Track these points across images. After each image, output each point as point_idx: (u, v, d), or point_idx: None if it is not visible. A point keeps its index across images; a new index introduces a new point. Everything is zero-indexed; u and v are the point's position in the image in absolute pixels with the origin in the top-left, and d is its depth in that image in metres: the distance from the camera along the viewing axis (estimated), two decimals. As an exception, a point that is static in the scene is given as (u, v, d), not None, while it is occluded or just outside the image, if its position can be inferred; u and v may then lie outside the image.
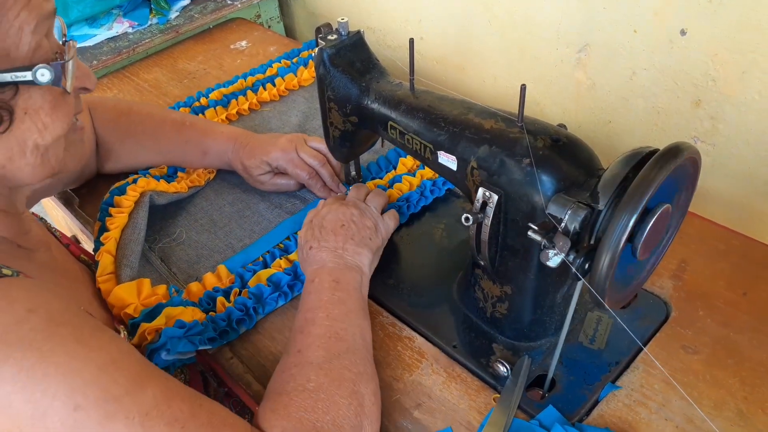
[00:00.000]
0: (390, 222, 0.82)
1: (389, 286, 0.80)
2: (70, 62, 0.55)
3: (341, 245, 0.74)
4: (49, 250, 0.70)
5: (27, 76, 0.52)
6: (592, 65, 1.03)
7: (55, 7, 0.55)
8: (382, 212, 0.83)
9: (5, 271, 0.53)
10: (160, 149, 0.95)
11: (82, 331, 0.51)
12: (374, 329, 0.75)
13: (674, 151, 0.51)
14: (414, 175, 0.93)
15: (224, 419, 0.54)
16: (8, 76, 0.51)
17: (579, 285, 0.57)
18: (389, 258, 0.84)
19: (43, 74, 0.52)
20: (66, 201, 0.98)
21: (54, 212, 1.30)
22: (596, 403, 0.65)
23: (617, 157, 0.55)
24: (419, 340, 0.74)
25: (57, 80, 0.54)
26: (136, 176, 0.93)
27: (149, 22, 1.40)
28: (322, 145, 0.91)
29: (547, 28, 1.06)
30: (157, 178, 0.94)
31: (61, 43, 0.57)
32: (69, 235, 1.07)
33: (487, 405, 0.66)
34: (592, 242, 0.54)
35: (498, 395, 0.67)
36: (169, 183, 0.94)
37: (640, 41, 0.94)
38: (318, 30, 0.77)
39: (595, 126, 1.09)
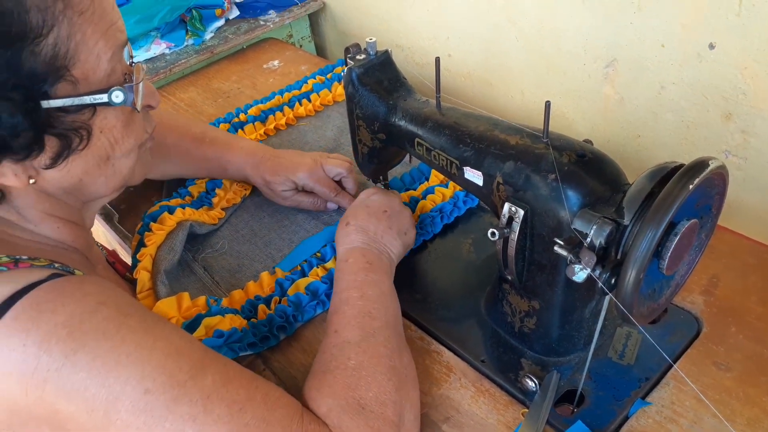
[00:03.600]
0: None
1: (417, 300, 0.81)
2: (141, 84, 0.60)
3: (379, 231, 0.77)
4: (105, 268, 0.76)
5: (103, 98, 0.56)
6: (620, 80, 1.03)
7: (127, 37, 0.60)
8: None
9: (77, 272, 0.58)
10: (183, 163, 0.98)
11: (147, 321, 0.55)
12: (402, 343, 0.76)
13: (700, 165, 0.51)
14: (446, 186, 0.94)
15: (278, 399, 0.57)
16: (87, 99, 0.55)
17: (606, 300, 0.57)
18: (417, 272, 0.85)
19: (117, 96, 0.57)
20: (106, 216, 1.02)
21: (94, 227, 1.34)
22: (626, 419, 0.65)
23: (641, 173, 0.55)
24: (447, 354, 0.74)
25: (129, 101, 0.59)
26: (173, 203, 0.95)
27: (185, 43, 1.45)
28: (345, 158, 0.95)
29: (574, 44, 1.06)
30: (196, 206, 0.96)
31: (129, 64, 0.62)
32: (109, 248, 1.12)
33: (515, 420, 0.66)
34: (618, 257, 0.54)
35: (526, 410, 0.67)
36: (207, 206, 0.97)
37: (668, 55, 0.94)
38: (347, 50, 0.79)
39: (624, 140, 1.09)
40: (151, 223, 0.89)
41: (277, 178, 0.94)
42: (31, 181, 0.57)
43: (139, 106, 0.61)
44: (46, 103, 0.53)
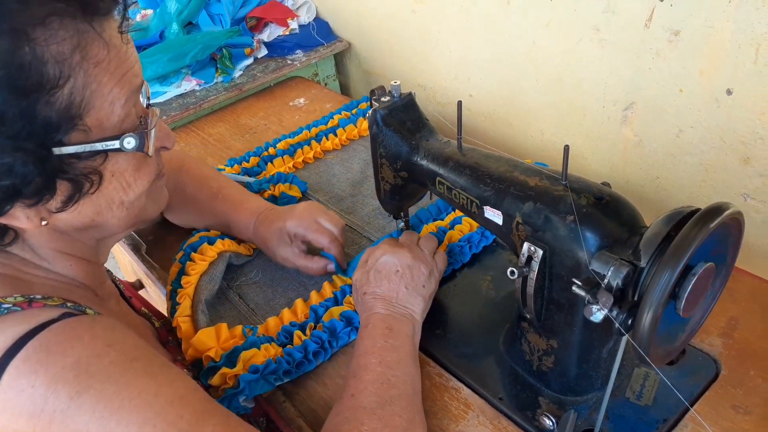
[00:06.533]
0: (441, 264, 0.84)
1: (437, 336, 0.82)
2: (153, 130, 0.61)
3: (395, 293, 0.76)
4: (118, 303, 0.76)
5: (115, 144, 0.57)
6: (639, 123, 1.05)
7: (143, 80, 0.61)
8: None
9: (89, 311, 0.59)
10: (198, 213, 0.99)
11: (154, 366, 0.56)
12: (422, 379, 0.76)
13: (715, 210, 0.52)
14: None
15: None
16: (99, 146, 0.56)
17: (623, 340, 0.58)
18: (437, 308, 0.86)
19: (129, 142, 0.58)
20: (134, 247, 1.05)
21: (121, 257, 1.38)
22: (643, 460, 0.65)
23: (659, 215, 0.56)
24: (466, 391, 0.75)
25: (141, 146, 0.59)
26: (212, 234, 0.97)
27: (215, 81, 1.50)
28: (338, 219, 0.93)
29: (593, 87, 1.09)
30: (233, 237, 0.98)
31: (145, 106, 0.63)
32: (134, 278, 1.14)
33: (532, 458, 0.67)
34: (635, 299, 0.55)
35: (543, 449, 0.67)
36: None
37: (686, 100, 0.95)
38: (372, 92, 0.82)
39: (643, 182, 1.10)
40: (193, 253, 0.92)
41: (271, 229, 0.91)
42: (44, 222, 0.57)
43: (150, 152, 0.61)
44: (58, 150, 0.53)
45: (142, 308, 0.85)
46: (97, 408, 0.50)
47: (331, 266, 0.91)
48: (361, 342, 0.72)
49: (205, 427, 0.54)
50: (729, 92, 0.90)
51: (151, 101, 0.64)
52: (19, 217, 0.56)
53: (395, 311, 0.75)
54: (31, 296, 0.57)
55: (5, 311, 0.54)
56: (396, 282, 0.77)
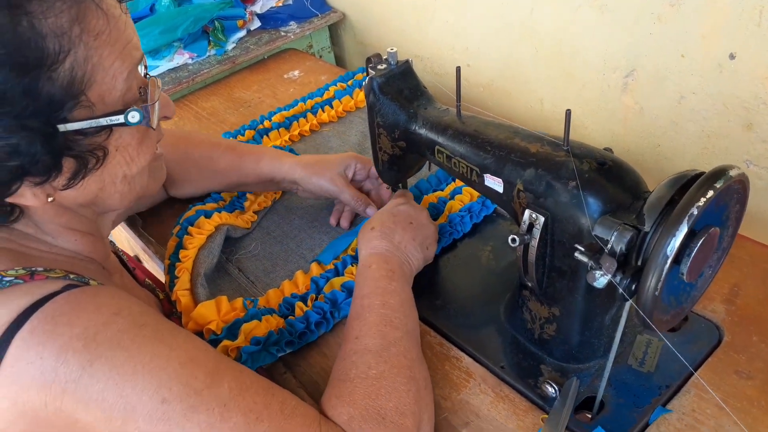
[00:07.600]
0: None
1: (437, 306, 0.82)
2: (157, 103, 0.60)
3: (404, 241, 0.78)
4: (122, 276, 0.76)
5: (120, 119, 0.56)
6: (640, 90, 1.03)
7: (143, 53, 0.60)
8: None
9: (92, 282, 0.59)
10: (217, 169, 0.98)
11: (162, 331, 0.56)
12: (422, 348, 0.76)
13: (720, 173, 0.51)
14: None
15: (295, 407, 0.57)
16: (104, 121, 0.55)
17: (627, 306, 0.57)
18: (437, 279, 0.86)
19: (134, 116, 0.57)
20: (130, 222, 1.04)
21: (117, 233, 1.36)
22: (646, 426, 0.65)
23: (663, 180, 0.55)
24: (467, 360, 0.75)
25: (146, 120, 0.58)
26: (208, 207, 0.97)
27: (207, 54, 1.48)
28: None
29: (593, 54, 1.07)
30: (229, 210, 0.98)
31: (143, 75, 0.62)
32: (132, 253, 1.14)
33: (535, 425, 0.67)
34: (638, 263, 0.54)
35: (546, 416, 0.67)
36: (240, 210, 0.99)
37: (688, 65, 0.94)
38: (368, 60, 0.80)
39: (644, 150, 1.09)
40: (190, 227, 0.91)
41: (329, 157, 0.94)
42: (50, 199, 0.57)
43: (154, 124, 0.61)
44: (63, 127, 0.53)
45: (146, 279, 0.85)
46: (111, 375, 0.50)
47: (372, 209, 0.93)
48: (364, 282, 0.73)
49: (221, 386, 0.54)
50: (732, 57, 0.88)
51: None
52: (26, 195, 0.56)
53: (398, 255, 0.77)
54: (33, 269, 0.57)
55: (7, 284, 0.54)
56: (408, 231, 0.79)
